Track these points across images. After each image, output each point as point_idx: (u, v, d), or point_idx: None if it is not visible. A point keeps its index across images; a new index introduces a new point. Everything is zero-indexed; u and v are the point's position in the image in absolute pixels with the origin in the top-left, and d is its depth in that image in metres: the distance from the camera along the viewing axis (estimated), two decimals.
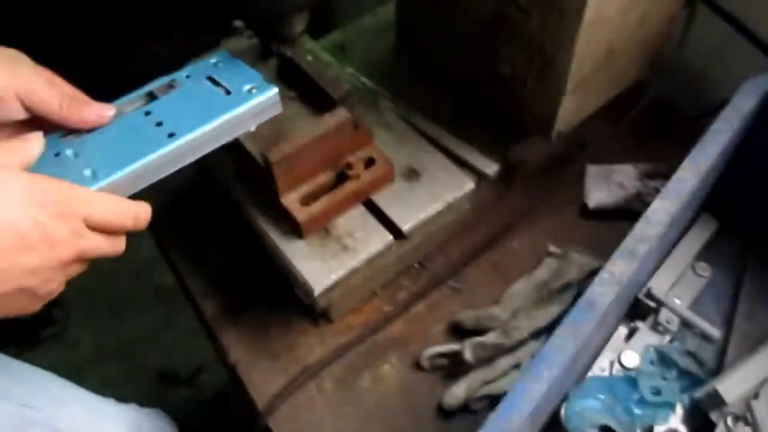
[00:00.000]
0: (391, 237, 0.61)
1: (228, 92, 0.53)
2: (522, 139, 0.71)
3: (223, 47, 0.66)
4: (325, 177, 0.61)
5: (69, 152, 0.49)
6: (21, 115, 0.49)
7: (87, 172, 0.48)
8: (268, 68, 0.68)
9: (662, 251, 0.65)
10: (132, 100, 0.54)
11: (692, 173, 0.54)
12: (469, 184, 0.64)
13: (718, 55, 0.78)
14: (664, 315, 0.64)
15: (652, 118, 0.78)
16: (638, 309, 0.66)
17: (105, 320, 1.53)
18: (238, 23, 0.67)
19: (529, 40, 0.59)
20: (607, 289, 0.47)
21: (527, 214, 0.73)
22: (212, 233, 0.75)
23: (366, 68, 0.79)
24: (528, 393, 0.43)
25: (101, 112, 0.51)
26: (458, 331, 0.67)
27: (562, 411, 0.56)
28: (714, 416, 0.58)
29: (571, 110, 0.64)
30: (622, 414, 0.56)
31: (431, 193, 0.63)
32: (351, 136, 0.60)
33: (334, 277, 0.58)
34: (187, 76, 0.55)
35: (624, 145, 0.81)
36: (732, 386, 0.57)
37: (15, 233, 0.39)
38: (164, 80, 0.55)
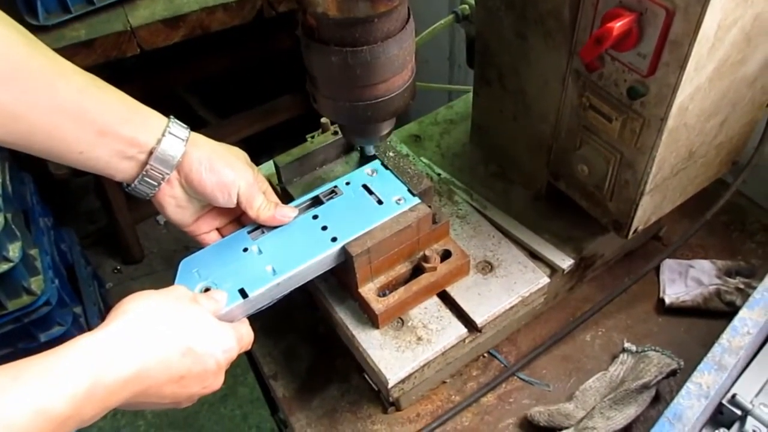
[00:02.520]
0: (465, 330, 0.61)
1: (380, 202, 0.62)
2: (597, 234, 0.71)
3: (312, 141, 0.71)
4: (402, 268, 0.63)
5: (255, 249, 0.59)
6: (230, 204, 0.59)
7: (269, 269, 0.57)
8: (350, 161, 0.72)
9: (748, 356, 0.63)
10: (303, 202, 0.63)
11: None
12: (544, 280, 0.65)
13: None
14: (750, 424, 0.61)
15: (731, 215, 0.77)
16: (722, 416, 0.63)
17: None
18: (324, 120, 0.71)
19: (609, 144, 0.60)
20: (694, 402, 0.46)
21: (600, 307, 0.72)
22: (286, 309, 0.77)
23: (440, 159, 0.82)
24: None
25: (287, 214, 0.61)
26: (530, 427, 0.66)
27: None
28: None
29: (648, 210, 0.64)
30: None
31: (506, 287, 0.64)
32: (429, 230, 0.62)
33: (408, 369, 0.59)
34: (347, 183, 0.64)
35: (701, 241, 0.80)
36: None
37: (188, 363, 0.48)
38: (328, 186, 0.64)
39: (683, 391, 0.47)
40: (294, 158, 0.68)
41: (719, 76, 0.54)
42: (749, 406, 0.62)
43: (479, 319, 0.62)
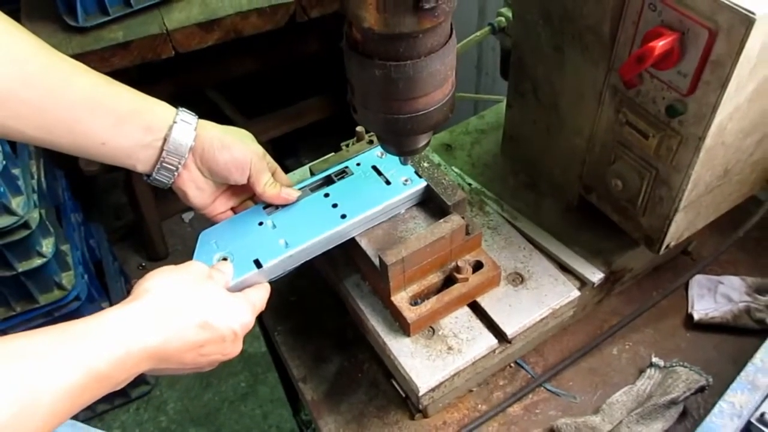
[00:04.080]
0: (495, 341, 0.62)
1: (388, 182, 0.66)
2: (627, 248, 0.71)
3: (347, 150, 0.72)
4: (434, 278, 0.64)
5: (269, 223, 0.63)
6: (243, 180, 0.63)
7: (281, 242, 0.61)
8: None
9: None
10: (315, 181, 0.67)
11: None
12: (574, 293, 0.65)
13: None
14: None
15: (763, 231, 0.77)
16: None
17: (192, 384, 1.59)
18: (359, 128, 0.72)
19: (644, 160, 0.61)
20: (727, 421, 0.47)
21: (628, 321, 0.72)
22: (316, 313, 0.78)
23: (471, 168, 0.82)
24: None
25: (291, 194, 0.64)
26: None
27: None
28: None
29: (681, 226, 0.64)
30: None
31: (536, 299, 0.65)
32: (462, 241, 0.63)
33: (439, 378, 0.60)
34: (357, 164, 0.68)
35: (732, 257, 0.80)
36: None
37: (205, 334, 0.51)
38: (340, 167, 0.68)
39: (716, 410, 0.47)
40: (330, 165, 0.69)
41: (759, 95, 0.54)
42: None
43: (510, 331, 0.62)
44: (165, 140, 0.59)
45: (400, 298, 0.62)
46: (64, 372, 0.42)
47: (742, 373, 0.49)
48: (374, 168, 0.67)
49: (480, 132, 0.88)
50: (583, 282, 0.69)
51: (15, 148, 1.16)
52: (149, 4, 1.20)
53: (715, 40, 0.49)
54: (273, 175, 0.65)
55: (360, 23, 0.47)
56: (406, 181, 0.65)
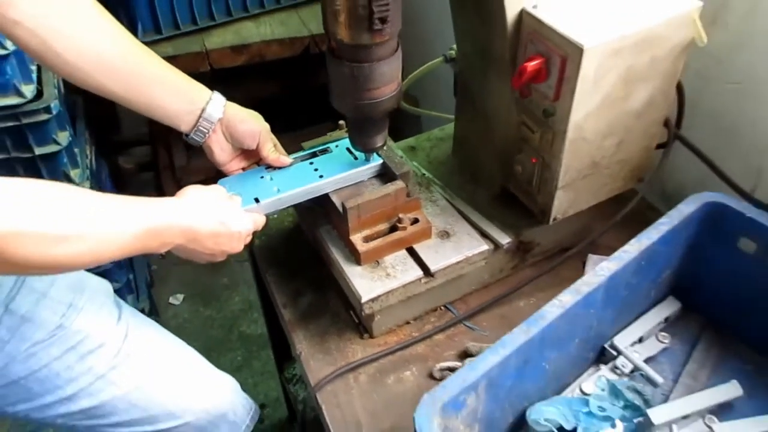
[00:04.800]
0: (421, 273, 0.86)
1: (356, 158, 0.91)
2: (534, 225, 0.95)
3: (330, 135, 0.98)
4: (382, 226, 0.88)
5: (268, 177, 0.90)
6: (253, 147, 0.90)
7: (275, 189, 0.87)
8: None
9: (625, 314, 0.85)
10: (304, 154, 0.94)
11: (635, 248, 0.76)
12: (484, 246, 0.89)
13: (689, 178, 1.01)
14: (620, 360, 0.83)
15: (640, 219, 1.00)
16: (604, 358, 0.86)
17: None
18: (341, 122, 0.98)
19: (535, 150, 0.85)
20: (555, 309, 0.70)
21: (531, 279, 0.95)
22: (298, 264, 1.03)
23: (427, 165, 1.07)
24: (486, 359, 0.65)
25: (286, 159, 0.91)
26: (465, 356, 0.89)
27: (528, 411, 0.76)
28: None
29: (563, 202, 0.88)
30: (570, 417, 0.75)
31: (456, 248, 0.89)
32: (404, 201, 0.88)
33: (377, 292, 0.83)
34: (336, 146, 0.94)
35: (619, 243, 1.03)
36: (661, 415, 0.75)
37: (221, 227, 0.76)
38: (323, 146, 0.95)
39: (548, 304, 0.71)
40: (315, 144, 0.95)
41: (607, 105, 0.79)
42: (622, 349, 0.84)
43: (433, 267, 0.86)
44: (202, 111, 0.86)
45: (356, 238, 0.87)
46: (134, 222, 0.67)
47: (573, 285, 0.72)
48: (347, 149, 0.93)
49: (439, 139, 1.13)
50: (496, 245, 0.93)
51: (75, 132, 1.44)
52: (193, 29, 1.50)
53: (566, 63, 0.74)
54: (274, 146, 0.91)
55: (335, 36, 0.74)
56: (369, 158, 0.91)
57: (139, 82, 0.82)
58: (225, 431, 1.00)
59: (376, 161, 0.91)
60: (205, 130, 0.87)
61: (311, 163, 0.92)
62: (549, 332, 0.71)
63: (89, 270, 0.91)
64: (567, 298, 0.71)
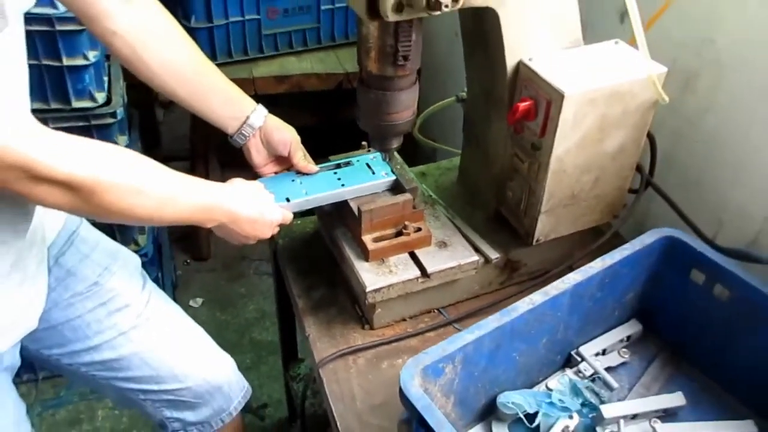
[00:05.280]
0: (419, 272, 1.01)
1: (373, 173, 1.07)
2: (521, 246, 1.10)
3: (352, 156, 1.15)
4: (390, 231, 1.04)
5: (298, 182, 1.05)
6: (285, 153, 1.06)
7: (303, 191, 1.02)
8: None
9: (590, 326, 0.99)
10: (329, 165, 1.10)
11: (599, 265, 0.90)
12: (475, 257, 1.04)
13: (660, 220, 1.16)
14: (583, 365, 0.97)
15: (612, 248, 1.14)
16: (570, 364, 0.99)
17: None
18: (364, 143, 1.15)
19: (524, 177, 1.01)
20: (525, 305, 0.84)
21: (516, 293, 1.10)
22: (314, 264, 1.18)
23: (434, 188, 1.23)
24: (463, 337, 0.79)
25: (313, 167, 1.07)
26: None
27: (498, 396, 0.90)
28: (599, 429, 0.89)
29: (545, 226, 1.03)
30: (534, 404, 0.88)
31: (450, 256, 1.03)
32: (410, 211, 1.04)
33: (380, 284, 0.98)
34: (357, 160, 1.10)
35: None
36: (611, 411, 0.88)
37: (258, 215, 0.92)
38: (347, 159, 1.11)
39: (520, 301, 0.85)
40: (340, 158, 1.12)
41: (584, 146, 0.95)
42: (586, 356, 0.98)
43: (429, 269, 1.01)
44: (247, 118, 1.03)
45: (367, 238, 1.02)
46: (194, 193, 0.84)
47: (542, 289, 0.87)
48: (367, 164, 1.10)
49: (447, 169, 1.30)
50: (486, 259, 1.08)
51: (130, 139, 1.63)
52: (244, 58, 1.72)
53: (551, 106, 0.91)
54: (304, 156, 1.08)
55: (366, 68, 0.91)
56: (384, 174, 1.07)
57: (201, 90, 1.00)
58: (219, 401, 1.14)
59: (391, 177, 1.07)
60: (246, 135, 1.05)
61: (335, 173, 1.08)
62: (519, 324, 0.85)
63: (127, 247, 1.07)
64: (536, 298, 0.86)
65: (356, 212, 1.02)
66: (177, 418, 1.13)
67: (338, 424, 0.93)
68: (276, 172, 1.10)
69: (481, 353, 0.83)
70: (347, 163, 1.10)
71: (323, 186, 1.05)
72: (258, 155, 1.07)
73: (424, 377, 0.77)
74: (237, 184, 0.94)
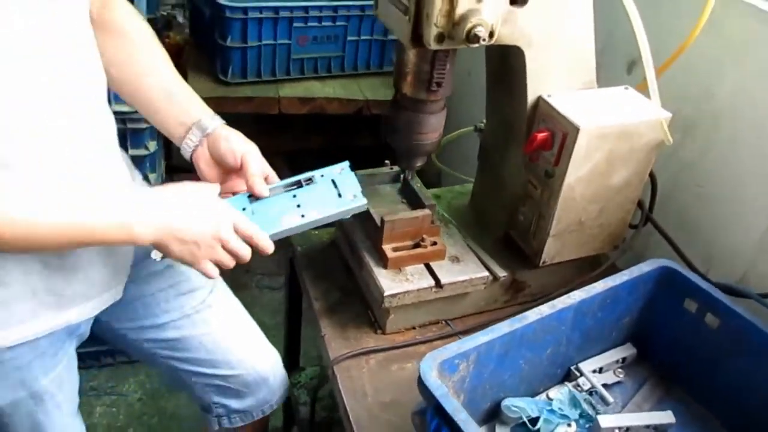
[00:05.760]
0: (434, 282, 1.08)
1: (339, 195, 0.91)
2: (527, 268, 1.18)
3: (376, 172, 1.24)
4: (408, 242, 1.11)
5: (249, 211, 0.90)
6: (235, 167, 0.92)
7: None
8: (394, 188, 1.24)
9: (590, 344, 1.06)
10: (289, 183, 0.94)
11: (601, 286, 0.98)
12: (485, 273, 1.12)
13: (656, 254, 1.25)
14: (582, 380, 1.04)
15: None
16: (569, 378, 1.06)
17: None
18: (386, 162, 1.24)
19: (536, 203, 1.10)
20: (534, 315, 0.92)
21: (518, 311, 1.17)
22: (330, 271, 1.25)
23: (447, 209, 1.31)
24: (477, 338, 0.87)
25: (263, 191, 0.91)
26: None
27: (503, 402, 0.96)
28: None
29: (552, 249, 1.11)
30: (536, 410, 0.95)
31: (462, 270, 1.11)
32: (428, 226, 1.12)
33: (397, 290, 1.05)
34: (321, 176, 0.94)
35: None
36: (608, 421, 0.95)
37: (211, 217, 0.82)
38: (309, 174, 0.94)
39: (530, 311, 0.92)
40: (366, 173, 1.20)
41: (593, 177, 1.05)
42: (585, 372, 1.05)
43: (443, 280, 1.08)
44: (193, 124, 0.93)
45: (387, 247, 1.10)
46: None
47: (544, 305, 0.94)
48: (332, 181, 0.95)
49: (459, 193, 1.39)
50: (494, 276, 1.16)
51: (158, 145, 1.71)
52: (271, 79, 1.82)
53: (566, 137, 1.00)
54: (265, 179, 0.93)
55: (401, 90, 1.01)
56: (353, 196, 0.92)
57: (144, 89, 0.93)
58: (263, 392, 1.19)
59: (360, 201, 0.93)
60: (192, 142, 0.94)
61: (294, 196, 0.92)
62: (527, 332, 0.92)
63: None
64: (544, 309, 0.93)
65: (379, 222, 1.10)
66: (222, 404, 1.17)
67: (350, 416, 0.99)
68: (234, 194, 0.95)
69: (491, 356, 0.90)
70: (309, 180, 0.95)
71: (279, 216, 0.90)
72: (207, 169, 0.95)
73: (440, 371, 0.84)
74: (170, 188, 0.82)
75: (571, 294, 0.97)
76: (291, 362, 1.61)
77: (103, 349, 1.80)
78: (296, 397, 1.56)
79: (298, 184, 0.94)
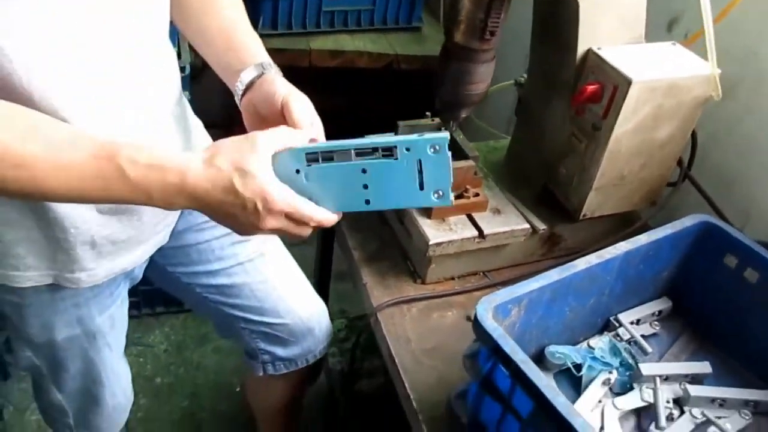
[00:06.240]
0: (477, 233, 1.09)
1: (422, 185, 0.64)
2: (565, 222, 1.19)
3: (416, 122, 1.24)
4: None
5: (302, 176, 0.67)
6: (269, 113, 0.78)
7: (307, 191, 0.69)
8: None
9: (629, 296, 1.08)
10: (360, 147, 0.66)
11: (645, 238, 1.00)
12: (526, 225, 1.13)
13: (693, 212, 1.26)
14: (621, 330, 1.06)
15: None
16: (609, 328, 1.08)
17: None
18: (428, 113, 1.24)
19: (579, 156, 1.10)
20: (582, 263, 0.93)
21: (556, 264, 1.18)
22: (367, 224, 1.26)
23: (484, 163, 1.32)
24: (529, 284, 0.88)
25: (316, 134, 0.75)
26: None
27: (546, 348, 0.99)
28: (635, 385, 0.98)
29: (593, 203, 1.12)
30: (579, 358, 0.97)
31: (504, 222, 1.12)
32: (471, 177, 1.12)
33: (441, 239, 1.06)
34: (407, 150, 0.65)
35: None
36: (649, 369, 0.97)
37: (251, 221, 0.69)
38: (390, 141, 0.65)
39: (576, 261, 0.94)
40: (408, 124, 1.20)
41: (639, 130, 1.05)
42: (624, 323, 1.07)
43: (486, 230, 1.10)
44: (251, 65, 0.83)
45: None
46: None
47: (589, 255, 0.96)
48: (419, 162, 0.65)
49: (494, 148, 1.39)
50: (534, 229, 1.17)
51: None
52: (302, 31, 1.81)
53: (617, 90, 1.00)
54: (312, 124, 0.76)
55: (453, 39, 1.00)
56: (439, 194, 0.66)
57: (210, 30, 0.88)
58: (309, 342, 1.21)
59: (446, 202, 0.71)
60: (242, 85, 0.83)
61: (364, 171, 0.67)
62: (575, 280, 0.94)
63: None
64: (592, 259, 0.95)
65: None
66: (268, 351, 1.19)
67: (396, 360, 1.01)
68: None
69: (541, 302, 0.92)
70: (388, 152, 0.67)
71: (338, 197, 0.70)
72: (251, 119, 0.84)
73: (494, 315, 0.86)
74: (210, 148, 0.69)
75: (617, 245, 0.98)
76: None
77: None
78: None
79: (374, 152, 0.66)
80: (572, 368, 0.96)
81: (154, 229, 0.95)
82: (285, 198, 0.67)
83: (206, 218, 1.00)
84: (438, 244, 1.07)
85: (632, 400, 0.95)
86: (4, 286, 0.86)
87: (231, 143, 0.69)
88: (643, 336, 1.08)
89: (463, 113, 1.11)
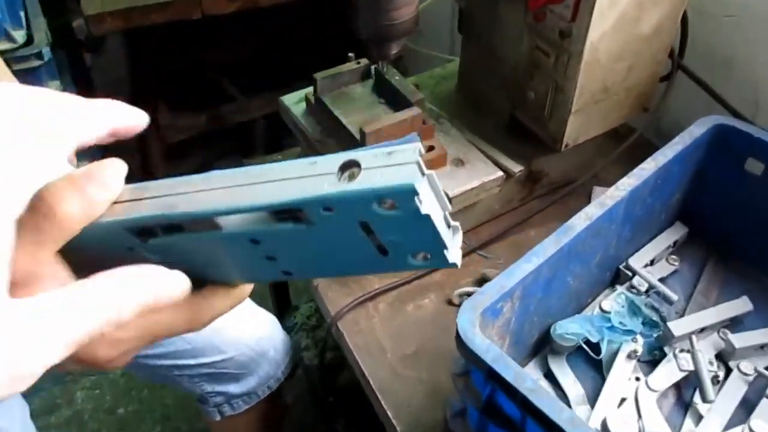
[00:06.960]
0: None
1: (384, 252, 0.32)
2: (543, 154, 0.96)
3: (337, 70, 0.97)
4: None
5: (144, 251, 0.35)
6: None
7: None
8: (366, 86, 0.98)
9: (639, 235, 0.88)
10: (228, 208, 0.30)
11: (651, 165, 0.78)
12: (498, 173, 0.90)
13: (687, 113, 1.04)
14: (636, 280, 0.86)
15: (638, 155, 1.03)
16: (619, 279, 0.88)
17: None
18: (350, 54, 0.97)
19: (548, 74, 0.86)
20: (581, 221, 0.71)
21: (540, 209, 0.97)
22: None
23: (433, 100, 1.07)
24: (521, 267, 0.66)
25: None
26: (483, 281, 0.91)
27: (552, 328, 0.78)
28: (666, 348, 0.79)
29: (575, 128, 0.89)
30: (594, 332, 0.77)
31: (470, 175, 0.89)
32: (420, 127, 0.88)
33: None
34: (326, 209, 0.29)
35: (617, 174, 1.05)
36: (680, 327, 0.78)
37: None
38: (292, 200, 0.29)
39: (575, 216, 0.72)
40: (327, 75, 0.94)
41: (620, 27, 0.81)
42: (637, 269, 0.87)
43: (450, 192, 0.87)
44: None
45: None
46: None
47: (597, 200, 0.74)
48: (364, 225, 0.30)
49: (441, 77, 1.13)
50: (508, 174, 0.94)
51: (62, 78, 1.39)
52: None
53: None
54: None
55: None
56: (426, 256, 0.33)
57: None
58: (265, 368, 1.00)
59: (446, 263, 0.33)
60: None
61: (255, 242, 0.33)
62: (576, 244, 0.72)
63: None
64: (593, 211, 0.73)
65: (358, 135, 0.86)
66: (219, 392, 0.98)
67: (370, 381, 0.81)
68: None
69: (538, 284, 0.71)
70: (295, 216, 0.30)
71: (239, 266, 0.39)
72: None
73: (482, 323, 0.64)
74: None
75: (619, 184, 0.77)
76: (281, 302, 1.42)
77: None
78: (297, 342, 1.38)
79: (282, 215, 0.30)
80: (588, 349, 0.76)
81: None
82: None
83: None
84: None
85: (668, 373, 0.76)
86: None
87: None
88: (662, 278, 0.88)
89: (393, 49, 0.85)
